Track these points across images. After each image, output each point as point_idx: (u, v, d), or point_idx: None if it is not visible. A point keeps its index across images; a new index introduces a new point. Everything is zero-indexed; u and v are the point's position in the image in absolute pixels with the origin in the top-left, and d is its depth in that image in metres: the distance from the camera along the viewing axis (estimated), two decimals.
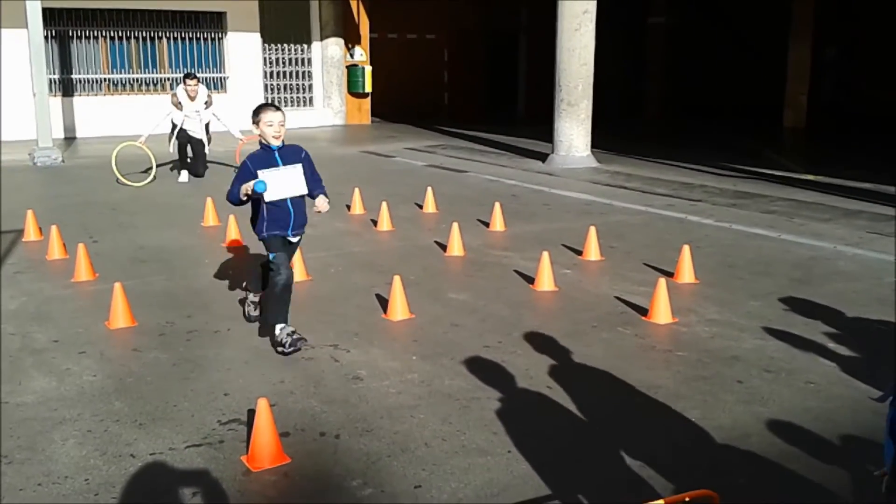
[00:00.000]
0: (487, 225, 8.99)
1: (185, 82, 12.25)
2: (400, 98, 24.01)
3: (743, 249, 7.92)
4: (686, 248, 6.91)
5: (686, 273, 6.79)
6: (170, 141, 12.39)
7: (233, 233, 8.22)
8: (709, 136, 18.49)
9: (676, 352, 5.27)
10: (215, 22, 19.93)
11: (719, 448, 3.89)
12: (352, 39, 22.03)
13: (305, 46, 21.51)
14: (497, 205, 9.08)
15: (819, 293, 6.40)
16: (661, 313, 5.77)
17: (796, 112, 20.48)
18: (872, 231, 8.49)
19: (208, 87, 15.18)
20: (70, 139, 17.74)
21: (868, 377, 4.70)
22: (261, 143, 5.01)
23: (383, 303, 6.13)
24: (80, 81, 18.61)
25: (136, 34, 19.08)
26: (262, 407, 3.74)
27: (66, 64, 18.40)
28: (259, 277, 5.56)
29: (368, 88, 22.05)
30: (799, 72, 20.42)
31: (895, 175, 11.95)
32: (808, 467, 3.68)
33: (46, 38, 16.35)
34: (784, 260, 7.50)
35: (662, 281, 5.89)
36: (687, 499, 3.21)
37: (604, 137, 14.86)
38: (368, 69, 21.95)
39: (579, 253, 7.73)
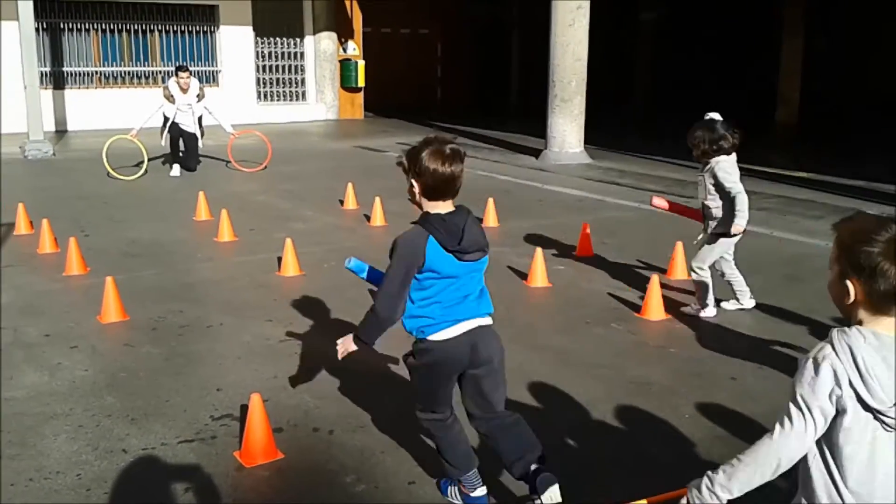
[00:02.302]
0: (480, 220, 8.97)
1: (177, 75, 12.20)
2: (393, 93, 23.97)
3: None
4: (679, 245, 6.92)
5: (679, 270, 6.80)
6: (162, 134, 12.33)
7: (225, 227, 8.19)
8: None
9: (669, 348, 5.28)
10: (207, 15, 19.84)
11: (712, 445, 3.90)
12: (345, 34, 21.97)
13: (298, 40, 21.43)
14: (490, 200, 9.07)
15: (811, 290, 6.41)
16: (654, 310, 5.78)
17: (788, 108, 20.49)
18: None
19: (200, 80, 15.12)
20: (61, 132, 17.65)
21: None
22: None
23: None
24: (72, 74, 18.51)
25: (128, 27, 18.99)
26: (255, 402, 3.73)
27: (57, 56, 18.29)
28: None
29: (361, 83, 21.99)
30: (791, 67, 20.43)
31: (886, 172, 11.98)
32: None
33: (38, 30, 16.27)
34: (776, 256, 7.52)
35: (655, 277, 5.90)
36: (672, 497, 3.22)
37: (597, 133, 14.85)
38: (361, 63, 21.89)
39: (573, 249, 7.73)
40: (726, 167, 5.45)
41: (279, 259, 7.11)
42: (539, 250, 6.74)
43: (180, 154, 12.44)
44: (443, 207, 3.14)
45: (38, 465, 3.68)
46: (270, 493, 3.52)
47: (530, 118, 17.87)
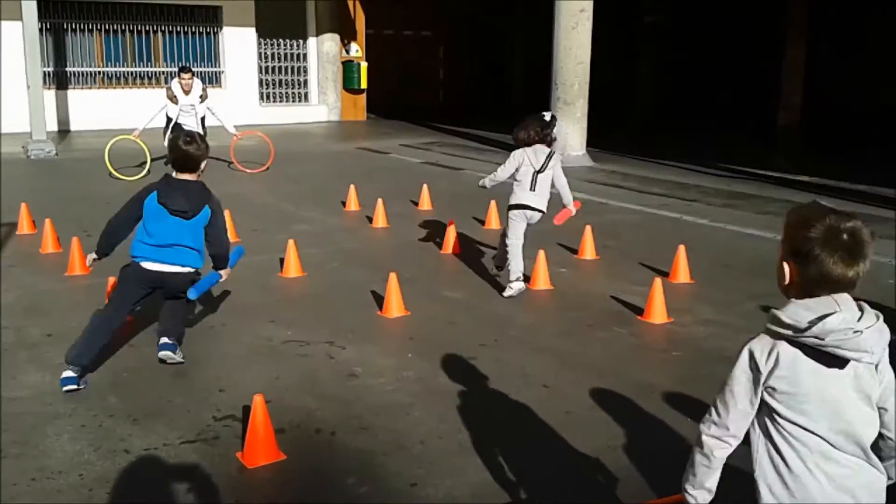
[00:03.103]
0: (483, 223, 8.98)
1: (179, 76, 12.20)
2: (395, 94, 23.99)
3: (738, 250, 7.94)
4: (681, 248, 6.92)
5: (681, 273, 6.80)
6: (164, 135, 12.33)
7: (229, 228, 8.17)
8: (703, 136, 18.51)
9: (672, 351, 5.28)
10: (211, 16, 19.88)
11: None
12: (347, 35, 22.00)
13: (301, 42, 21.46)
14: (492, 203, 9.07)
15: None
16: (657, 313, 5.78)
17: (790, 112, 20.51)
18: None
19: (203, 81, 15.13)
20: (64, 132, 17.68)
21: None
22: None
23: (379, 300, 6.12)
24: (75, 74, 18.54)
25: (132, 27, 19.02)
26: (258, 403, 3.73)
27: (60, 56, 18.32)
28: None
29: (364, 84, 22.02)
30: (794, 71, 20.44)
31: (890, 177, 11.98)
32: None
33: (41, 30, 16.29)
34: None
35: (658, 281, 5.89)
36: (673, 500, 3.22)
37: (599, 136, 14.85)
38: (364, 65, 21.92)
39: (575, 252, 7.73)
40: (514, 154, 6.30)
41: (281, 260, 7.12)
42: (541, 253, 6.74)
43: None
44: (183, 176, 4.72)
45: (40, 465, 3.69)
46: (272, 493, 3.53)
47: None
